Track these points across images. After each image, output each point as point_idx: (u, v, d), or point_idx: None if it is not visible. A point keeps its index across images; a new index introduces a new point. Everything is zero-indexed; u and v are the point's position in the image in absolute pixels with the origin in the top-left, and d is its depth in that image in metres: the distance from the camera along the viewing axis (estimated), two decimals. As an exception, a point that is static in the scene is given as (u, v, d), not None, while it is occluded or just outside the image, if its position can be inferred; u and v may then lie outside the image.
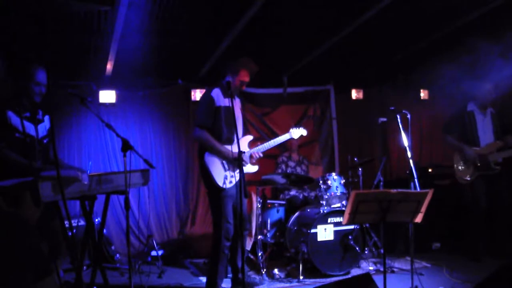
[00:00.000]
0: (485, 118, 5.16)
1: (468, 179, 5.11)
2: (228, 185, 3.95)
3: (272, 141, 4.39)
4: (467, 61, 4.78)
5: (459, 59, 4.80)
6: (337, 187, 5.06)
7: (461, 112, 5.23)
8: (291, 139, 4.68)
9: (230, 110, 3.80)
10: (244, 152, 3.93)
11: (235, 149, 3.59)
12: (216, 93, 3.97)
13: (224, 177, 3.94)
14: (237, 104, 4.21)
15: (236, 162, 3.74)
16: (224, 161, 3.97)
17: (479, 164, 5.00)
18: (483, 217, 5.08)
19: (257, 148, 4.23)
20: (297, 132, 4.65)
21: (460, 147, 5.15)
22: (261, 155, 4.22)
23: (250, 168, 4.17)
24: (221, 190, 3.92)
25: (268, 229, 5.20)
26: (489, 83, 5.07)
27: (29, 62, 3.37)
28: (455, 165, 5.25)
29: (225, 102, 3.95)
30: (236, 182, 4.00)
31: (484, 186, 5.05)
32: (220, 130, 3.96)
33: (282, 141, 4.56)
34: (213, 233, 3.98)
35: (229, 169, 3.98)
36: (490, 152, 5.01)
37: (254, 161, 4.19)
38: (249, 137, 4.27)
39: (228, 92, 3.87)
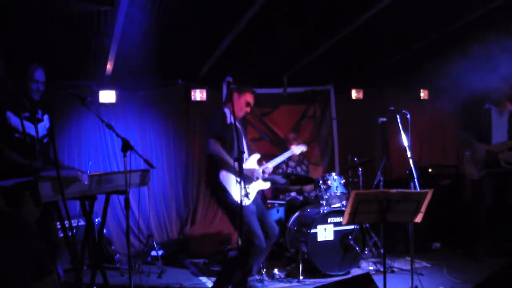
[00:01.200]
0: (502, 117, 5.07)
1: (476, 176, 5.09)
2: (247, 202, 3.88)
3: (277, 158, 4.49)
4: (467, 60, 4.76)
5: (460, 58, 4.79)
6: (337, 187, 5.06)
7: (478, 109, 5.16)
8: (292, 150, 4.71)
9: (237, 129, 3.79)
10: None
11: (245, 166, 3.63)
12: (227, 110, 4.00)
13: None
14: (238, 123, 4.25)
15: (247, 178, 3.84)
16: (237, 178, 3.92)
17: (487, 161, 4.96)
18: (486, 216, 5.06)
19: (265, 165, 4.25)
20: (297, 149, 4.75)
21: (472, 143, 5.12)
22: (271, 170, 4.27)
23: (262, 185, 4.19)
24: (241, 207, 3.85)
25: (268, 229, 5.20)
26: (496, 79, 5.01)
27: (27, 61, 3.38)
28: (465, 161, 5.24)
29: (233, 120, 3.93)
30: (255, 197, 4.02)
31: (491, 184, 5.02)
32: (231, 147, 3.95)
33: (286, 158, 4.68)
34: (242, 247, 3.78)
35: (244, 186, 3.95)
36: (500, 150, 4.97)
37: (266, 176, 4.22)
38: (257, 156, 4.30)
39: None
